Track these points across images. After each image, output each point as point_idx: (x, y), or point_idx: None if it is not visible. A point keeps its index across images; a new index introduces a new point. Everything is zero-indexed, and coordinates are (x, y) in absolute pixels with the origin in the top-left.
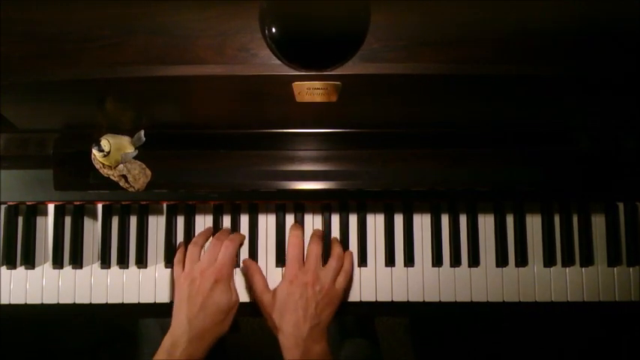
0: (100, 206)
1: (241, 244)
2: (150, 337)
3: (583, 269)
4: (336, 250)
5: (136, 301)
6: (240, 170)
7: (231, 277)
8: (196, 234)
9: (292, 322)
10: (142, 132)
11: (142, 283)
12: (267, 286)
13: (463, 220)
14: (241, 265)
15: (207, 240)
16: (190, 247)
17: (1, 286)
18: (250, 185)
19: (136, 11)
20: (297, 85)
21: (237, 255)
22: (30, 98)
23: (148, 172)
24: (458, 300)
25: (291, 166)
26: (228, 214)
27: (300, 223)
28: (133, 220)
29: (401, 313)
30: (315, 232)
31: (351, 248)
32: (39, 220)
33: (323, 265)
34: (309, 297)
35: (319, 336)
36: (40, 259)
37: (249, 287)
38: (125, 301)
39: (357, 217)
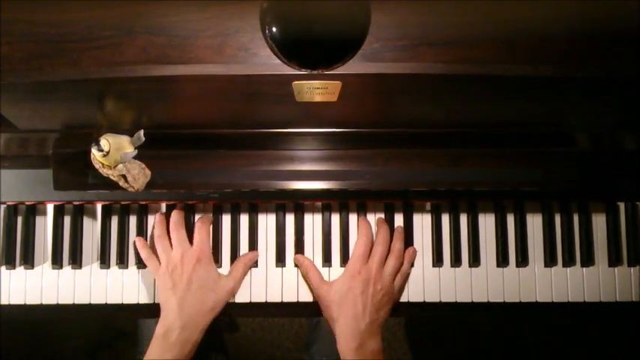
0: (99, 206)
1: (210, 224)
2: (150, 337)
3: (584, 269)
4: (397, 246)
5: (136, 302)
6: (240, 170)
7: (211, 257)
8: (158, 225)
9: (351, 315)
10: (142, 132)
11: (142, 283)
12: (322, 278)
13: (463, 219)
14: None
15: (165, 226)
16: (158, 240)
17: (1, 286)
18: (250, 185)
19: (136, 11)
20: (297, 85)
21: (237, 256)
22: (30, 98)
23: (148, 172)
24: (458, 300)
25: (291, 166)
26: (228, 214)
27: (348, 220)
28: (133, 220)
29: (401, 313)
30: (381, 228)
31: (351, 249)
32: (38, 220)
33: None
34: (370, 294)
35: (376, 331)
36: (39, 259)
37: (305, 279)
38: (125, 301)
39: (357, 218)
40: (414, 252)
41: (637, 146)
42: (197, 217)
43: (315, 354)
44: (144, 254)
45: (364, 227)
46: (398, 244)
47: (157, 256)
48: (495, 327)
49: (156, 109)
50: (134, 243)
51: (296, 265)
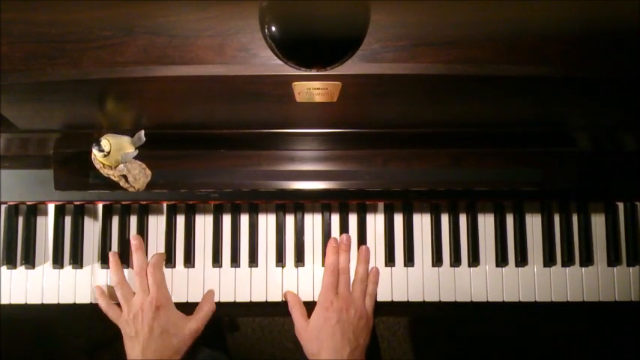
0: (100, 206)
1: (164, 261)
2: None
3: (583, 269)
4: (360, 271)
5: None
6: (240, 170)
7: (169, 300)
8: (114, 271)
9: (331, 348)
10: (142, 132)
11: None
12: (304, 315)
13: (463, 219)
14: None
15: (122, 270)
16: (118, 287)
17: (1, 286)
18: (250, 185)
19: (136, 11)
20: (297, 85)
21: (237, 256)
22: (30, 98)
23: (148, 172)
24: (458, 300)
25: (291, 166)
26: (228, 214)
27: (344, 239)
28: (133, 220)
29: (401, 313)
30: (342, 255)
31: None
32: (39, 220)
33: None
34: (346, 321)
35: (359, 359)
36: (40, 259)
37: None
38: None
39: (357, 217)
40: (377, 272)
41: (636, 146)
42: (197, 217)
43: None
44: (103, 304)
45: (329, 256)
46: (361, 267)
47: (118, 304)
48: (494, 327)
49: (156, 110)
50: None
51: (296, 266)
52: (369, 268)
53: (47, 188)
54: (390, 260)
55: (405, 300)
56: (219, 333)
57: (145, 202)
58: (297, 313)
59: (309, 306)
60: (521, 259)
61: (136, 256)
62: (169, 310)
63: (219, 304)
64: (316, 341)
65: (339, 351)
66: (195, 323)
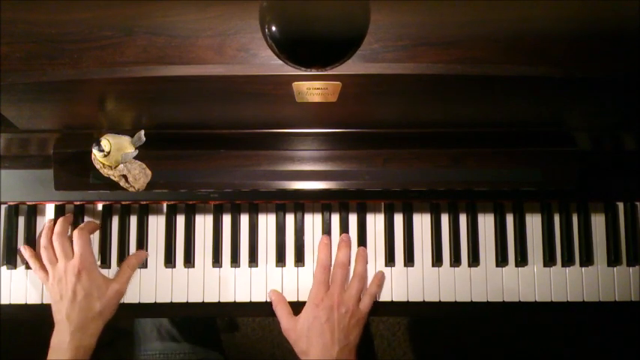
0: (100, 206)
1: (93, 230)
2: (146, 337)
3: (583, 269)
4: (359, 269)
5: (137, 302)
6: (240, 170)
7: (93, 263)
8: (44, 234)
9: (320, 346)
10: (142, 132)
11: (142, 283)
12: (290, 313)
13: (463, 219)
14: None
15: (50, 235)
16: (43, 251)
17: (1, 286)
18: (250, 185)
19: (136, 11)
20: (297, 85)
21: (237, 256)
22: (30, 98)
23: (148, 172)
24: (458, 300)
25: (291, 166)
26: (228, 214)
27: (327, 234)
28: (133, 220)
29: (401, 313)
30: (340, 249)
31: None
32: (39, 220)
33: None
34: (336, 320)
35: (348, 358)
36: None
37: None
38: (125, 301)
39: (357, 217)
40: (382, 275)
41: (636, 146)
42: (197, 217)
43: None
44: (33, 266)
45: (321, 252)
46: (360, 266)
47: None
48: (494, 327)
49: (156, 109)
50: (137, 243)
51: (296, 266)
52: (375, 272)
53: (47, 188)
54: (390, 260)
55: (405, 300)
56: (218, 333)
57: (145, 202)
58: (282, 311)
59: None
60: (521, 259)
61: (58, 224)
62: (92, 273)
63: (219, 304)
64: (305, 339)
65: (328, 349)
66: (117, 285)
